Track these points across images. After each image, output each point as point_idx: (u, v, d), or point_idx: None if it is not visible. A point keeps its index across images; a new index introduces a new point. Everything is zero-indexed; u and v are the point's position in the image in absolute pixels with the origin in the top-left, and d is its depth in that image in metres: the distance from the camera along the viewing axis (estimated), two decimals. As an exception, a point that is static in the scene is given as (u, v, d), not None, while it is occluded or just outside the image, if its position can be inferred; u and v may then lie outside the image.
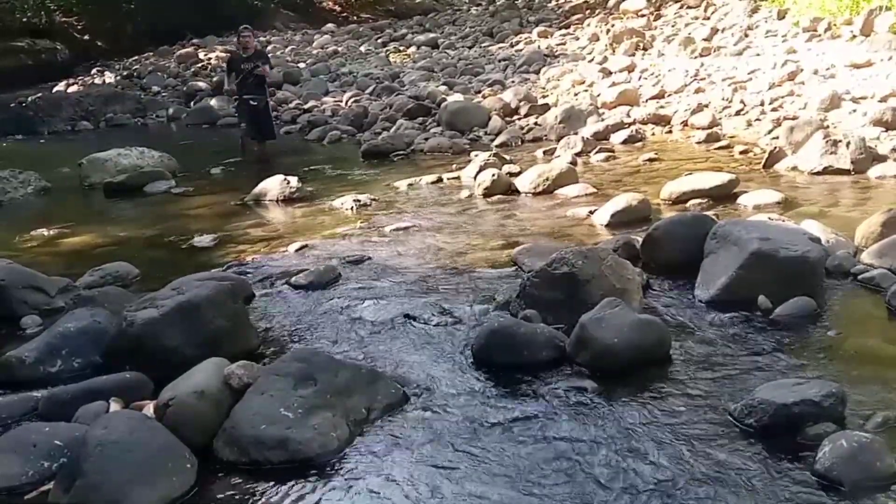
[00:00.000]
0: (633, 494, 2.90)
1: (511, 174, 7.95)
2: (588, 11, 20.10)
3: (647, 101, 11.12)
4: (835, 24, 12.54)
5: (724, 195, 6.65)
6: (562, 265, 4.41)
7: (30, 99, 16.60)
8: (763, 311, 4.34)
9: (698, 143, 9.12)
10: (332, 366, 3.65)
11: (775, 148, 7.92)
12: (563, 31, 18.09)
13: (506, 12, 22.63)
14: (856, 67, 10.36)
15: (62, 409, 3.66)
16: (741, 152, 8.45)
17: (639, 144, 9.46)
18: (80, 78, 19.89)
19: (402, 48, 19.92)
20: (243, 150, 10.77)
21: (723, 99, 10.42)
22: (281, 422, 3.31)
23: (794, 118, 8.87)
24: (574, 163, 8.48)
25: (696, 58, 12.90)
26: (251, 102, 10.59)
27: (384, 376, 3.77)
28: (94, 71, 21.12)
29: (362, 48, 20.48)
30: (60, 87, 18.77)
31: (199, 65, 19.97)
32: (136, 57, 22.16)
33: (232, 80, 10.63)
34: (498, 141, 10.16)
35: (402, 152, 10.11)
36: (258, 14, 25.68)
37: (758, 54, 12.42)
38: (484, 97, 12.42)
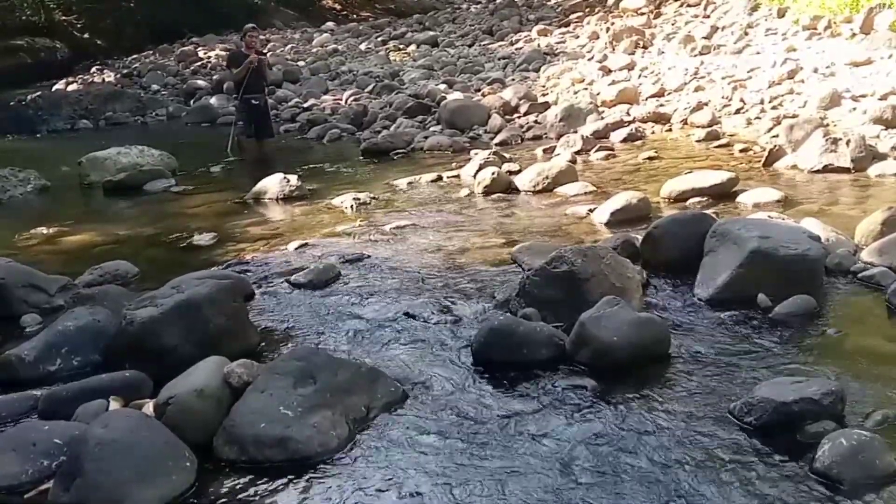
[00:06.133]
0: (633, 493, 2.90)
1: (511, 172, 7.94)
2: (588, 9, 20.14)
3: (646, 99, 11.12)
4: (835, 22, 12.54)
5: (723, 193, 6.65)
6: (561, 263, 4.41)
7: (29, 97, 16.61)
8: (763, 309, 4.34)
9: (698, 141, 9.12)
10: (332, 364, 3.64)
11: (775, 146, 7.91)
12: (563, 30, 18.12)
13: (505, 10, 22.65)
14: (855, 65, 10.36)
15: (62, 407, 3.64)
16: (741, 150, 8.45)
17: (638, 143, 9.45)
18: (79, 76, 19.90)
19: (401, 46, 19.93)
20: (239, 149, 10.75)
21: (723, 97, 10.42)
22: (280, 420, 3.30)
23: (794, 116, 8.88)
24: (574, 161, 8.47)
25: (695, 56, 12.90)
26: (252, 101, 10.62)
27: (384, 375, 3.76)
28: (93, 69, 21.14)
29: (362, 46, 20.48)
30: (60, 85, 18.77)
31: (199, 63, 19.98)
32: (135, 55, 22.20)
33: (236, 74, 10.69)
34: (498, 139, 10.15)
35: (401, 150, 10.11)
36: (258, 12, 25.71)
37: (758, 52, 12.43)
38: (484, 95, 12.42)
